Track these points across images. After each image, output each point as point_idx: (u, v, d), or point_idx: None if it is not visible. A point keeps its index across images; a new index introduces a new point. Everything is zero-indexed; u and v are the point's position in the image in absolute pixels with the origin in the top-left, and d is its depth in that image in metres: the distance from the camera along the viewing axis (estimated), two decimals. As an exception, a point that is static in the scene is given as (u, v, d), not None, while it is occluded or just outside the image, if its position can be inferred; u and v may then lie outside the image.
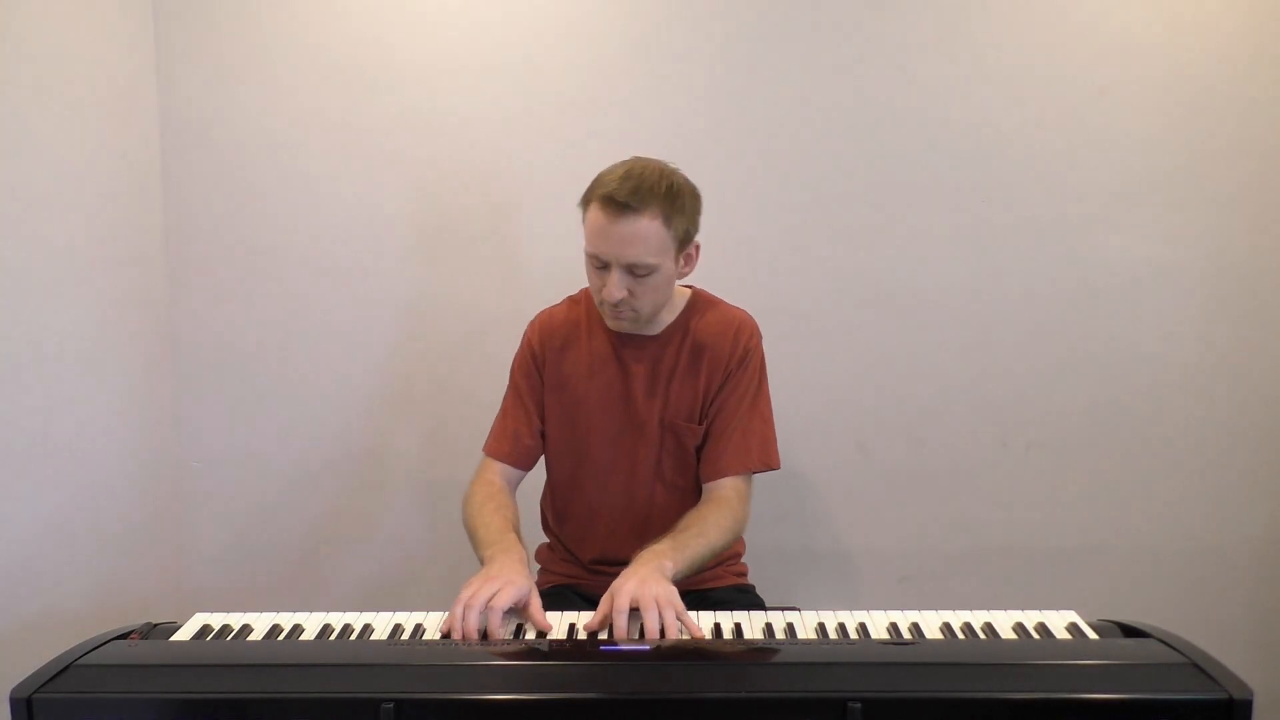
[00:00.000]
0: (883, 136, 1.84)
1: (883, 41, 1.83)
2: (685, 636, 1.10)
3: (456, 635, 1.11)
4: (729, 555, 1.54)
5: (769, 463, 1.45)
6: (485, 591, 1.13)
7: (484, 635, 1.11)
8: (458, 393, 1.92)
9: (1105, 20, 1.80)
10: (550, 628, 1.15)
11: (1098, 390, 1.87)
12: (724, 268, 1.83)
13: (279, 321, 1.93)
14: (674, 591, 1.14)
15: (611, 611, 1.11)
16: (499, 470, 1.48)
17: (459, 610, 1.12)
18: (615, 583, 1.14)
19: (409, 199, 1.90)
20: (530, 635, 1.12)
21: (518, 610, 1.17)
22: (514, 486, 1.50)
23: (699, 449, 1.46)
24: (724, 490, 1.40)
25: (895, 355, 1.89)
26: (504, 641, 1.10)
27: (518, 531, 1.36)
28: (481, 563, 1.27)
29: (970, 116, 1.83)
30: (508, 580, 1.16)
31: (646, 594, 1.11)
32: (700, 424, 1.45)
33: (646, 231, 1.30)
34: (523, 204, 1.89)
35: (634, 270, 1.33)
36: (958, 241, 1.86)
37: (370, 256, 1.91)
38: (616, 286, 1.33)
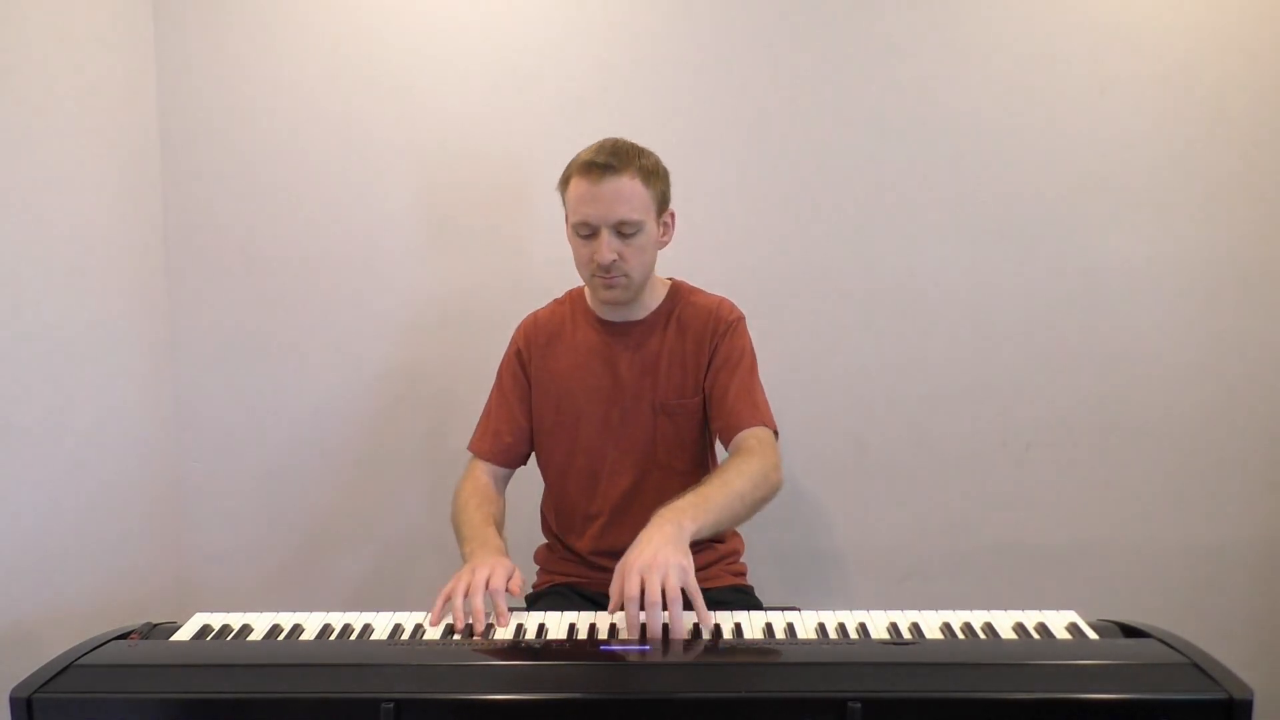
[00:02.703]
0: (884, 135, 1.84)
1: (885, 41, 1.82)
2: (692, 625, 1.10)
3: (459, 621, 1.13)
4: (727, 553, 1.55)
5: (770, 423, 1.43)
6: (480, 577, 1.17)
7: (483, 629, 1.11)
8: (459, 390, 1.91)
9: (1106, 18, 1.80)
10: (519, 592, 1.19)
11: (1097, 390, 1.87)
12: (725, 264, 1.84)
13: (280, 319, 1.93)
14: (686, 564, 1.08)
15: (622, 598, 1.06)
16: (484, 468, 1.52)
17: (459, 600, 1.15)
18: (626, 556, 1.10)
19: (410, 195, 1.90)
20: (530, 635, 1.12)
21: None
22: (502, 484, 1.53)
23: (699, 430, 1.47)
24: (746, 440, 1.37)
25: (895, 354, 1.89)
26: (504, 641, 1.10)
27: (499, 526, 1.40)
28: (463, 559, 1.31)
29: (971, 115, 1.83)
30: (494, 563, 1.21)
31: (654, 581, 1.04)
32: (695, 396, 1.46)
33: (629, 189, 1.35)
34: (524, 200, 1.89)
35: (621, 230, 1.37)
36: (958, 240, 1.86)
37: (371, 254, 1.91)
38: (608, 248, 1.36)
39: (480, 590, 1.16)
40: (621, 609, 1.07)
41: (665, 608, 1.05)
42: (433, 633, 1.13)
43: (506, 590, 1.19)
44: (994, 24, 1.81)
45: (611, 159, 1.35)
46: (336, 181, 1.89)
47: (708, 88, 1.85)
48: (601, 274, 1.39)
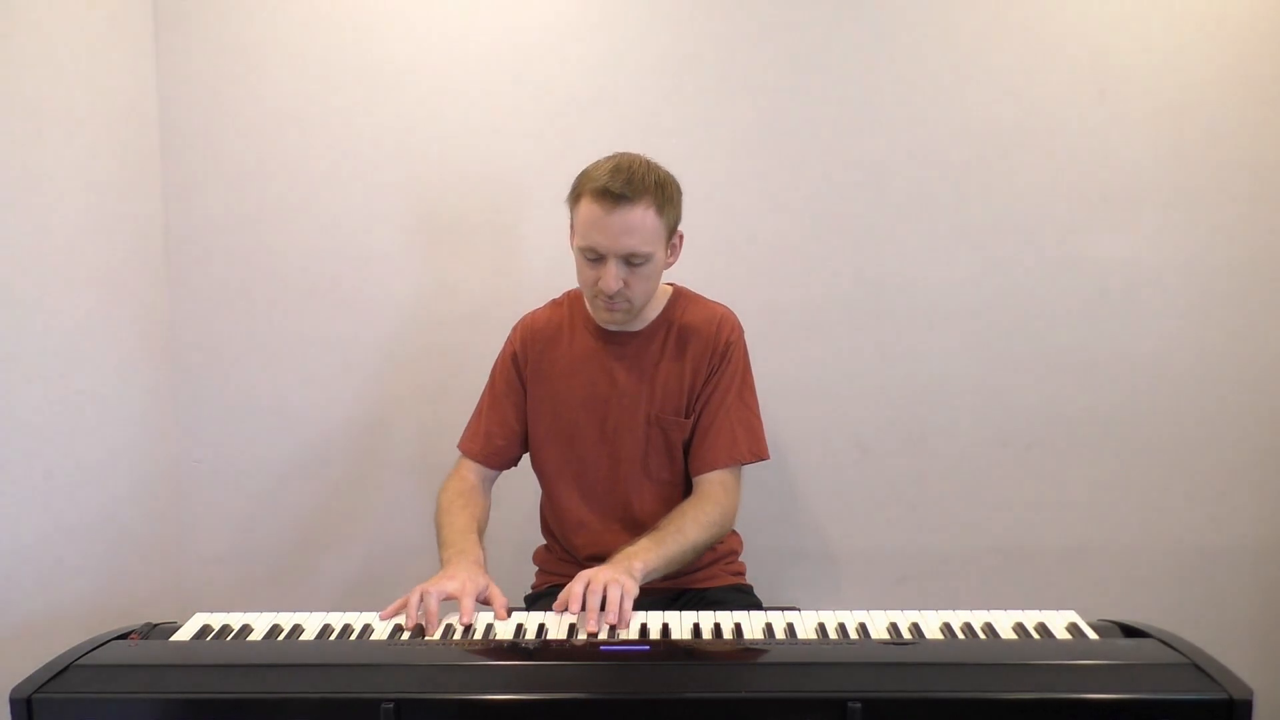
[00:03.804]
0: (884, 137, 1.84)
1: (885, 42, 1.82)
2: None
3: (410, 621, 1.14)
4: (726, 553, 1.55)
5: (758, 453, 1.47)
6: (447, 588, 1.19)
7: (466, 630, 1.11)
8: (456, 391, 1.91)
9: (1106, 20, 1.80)
10: (505, 617, 1.19)
11: (1098, 390, 1.87)
12: (726, 266, 1.84)
13: (279, 321, 1.93)
14: (632, 587, 1.19)
15: (569, 596, 1.17)
16: (472, 468, 1.52)
17: (415, 597, 1.16)
18: (583, 571, 1.21)
19: (408, 198, 1.90)
20: (530, 635, 1.12)
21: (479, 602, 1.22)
22: (488, 483, 1.54)
23: (686, 444, 1.48)
24: (710, 485, 1.43)
25: (896, 355, 1.89)
26: (505, 641, 1.10)
27: (481, 532, 1.41)
28: (441, 564, 1.31)
29: (972, 117, 1.83)
30: (466, 578, 1.21)
31: (600, 579, 1.17)
32: (687, 418, 1.47)
33: (641, 221, 1.33)
34: (521, 203, 1.89)
35: (630, 260, 1.35)
36: (959, 242, 1.86)
37: (369, 256, 1.91)
38: (614, 278, 1.35)
39: (436, 594, 1.17)
40: (565, 609, 1.18)
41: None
42: (433, 633, 1.13)
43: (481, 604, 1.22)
44: (994, 25, 1.81)
45: (626, 189, 1.31)
46: (334, 186, 1.89)
47: (709, 89, 1.85)
48: (605, 299, 1.38)
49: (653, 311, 1.49)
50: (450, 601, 1.20)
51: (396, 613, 1.18)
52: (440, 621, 1.16)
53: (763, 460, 1.48)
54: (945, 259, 1.86)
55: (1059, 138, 1.82)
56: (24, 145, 1.57)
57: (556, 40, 1.85)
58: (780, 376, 1.84)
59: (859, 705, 0.90)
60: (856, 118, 1.84)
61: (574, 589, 1.16)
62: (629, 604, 1.16)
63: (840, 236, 1.87)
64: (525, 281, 1.88)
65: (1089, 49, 1.80)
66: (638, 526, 1.40)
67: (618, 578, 1.18)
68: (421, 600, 1.16)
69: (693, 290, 1.56)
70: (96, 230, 1.74)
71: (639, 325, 1.48)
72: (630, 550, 1.28)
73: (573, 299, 1.55)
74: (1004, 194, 1.84)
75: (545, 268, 1.86)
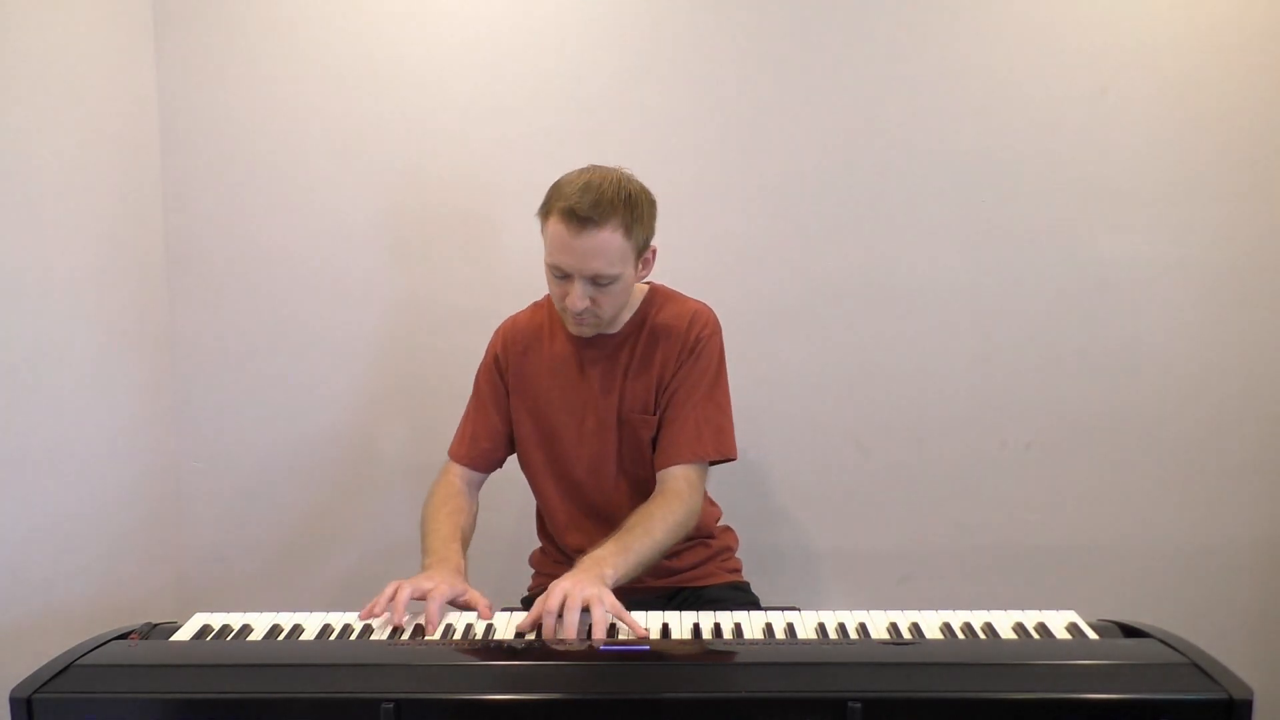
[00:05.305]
0: (884, 135, 1.84)
1: (885, 39, 1.82)
2: (631, 636, 1.10)
3: (380, 611, 1.15)
4: (721, 549, 1.56)
5: (724, 452, 1.43)
6: (422, 585, 1.18)
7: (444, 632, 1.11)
8: (451, 391, 1.90)
9: (1107, 19, 1.80)
10: (490, 615, 1.19)
11: (1098, 390, 1.87)
12: (723, 266, 1.84)
13: (277, 322, 1.93)
14: (607, 594, 1.14)
15: (543, 612, 1.11)
16: (459, 472, 1.52)
17: (389, 590, 1.16)
18: (552, 583, 1.15)
19: (403, 201, 1.90)
20: (530, 635, 1.12)
21: (457, 605, 1.22)
22: (475, 487, 1.54)
23: (655, 440, 1.46)
24: (675, 481, 1.39)
25: (895, 355, 1.89)
26: (505, 641, 1.10)
27: (466, 539, 1.41)
28: (422, 570, 1.31)
29: (972, 115, 1.83)
30: (441, 580, 1.21)
31: (576, 594, 1.11)
32: (654, 415, 1.45)
33: (608, 244, 1.31)
34: (514, 207, 1.89)
35: (596, 280, 1.34)
36: (958, 240, 1.86)
37: (365, 259, 1.91)
38: (580, 297, 1.34)
39: (409, 589, 1.17)
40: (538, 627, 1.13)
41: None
42: (433, 633, 1.13)
43: (468, 608, 1.21)
44: (995, 23, 1.81)
45: (593, 212, 1.28)
46: (332, 190, 1.89)
47: (701, 90, 1.85)
48: (573, 315, 1.38)
49: (627, 312, 1.48)
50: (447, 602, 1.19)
51: (372, 612, 1.17)
52: (440, 621, 1.15)
53: (730, 461, 1.44)
54: (945, 257, 1.86)
55: (1060, 134, 1.82)
56: (24, 145, 1.57)
57: (543, 47, 1.85)
58: (778, 375, 1.84)
59: (859, 705, 0.90)
60: (856, 114, 1.84)
61: (548, 623, 1.10)
62: (628, 615, 1.13)
63: (840, 234, 1.87)
64: (518, 285, 1.87)
65: (1090, 48, 1.80)
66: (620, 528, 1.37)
67: (595, 593, 1.12)
68: (395, 594, 1.16)
69: (674, 288, 1.53)
70: (96, 230, 1.74)
71: (615, 327, 1.47)
72: (599, 555, 1.23)
73: (551, 301, 1.54)
74: (1004, 191, 1.84)
75: (537, 271, 1.85)
